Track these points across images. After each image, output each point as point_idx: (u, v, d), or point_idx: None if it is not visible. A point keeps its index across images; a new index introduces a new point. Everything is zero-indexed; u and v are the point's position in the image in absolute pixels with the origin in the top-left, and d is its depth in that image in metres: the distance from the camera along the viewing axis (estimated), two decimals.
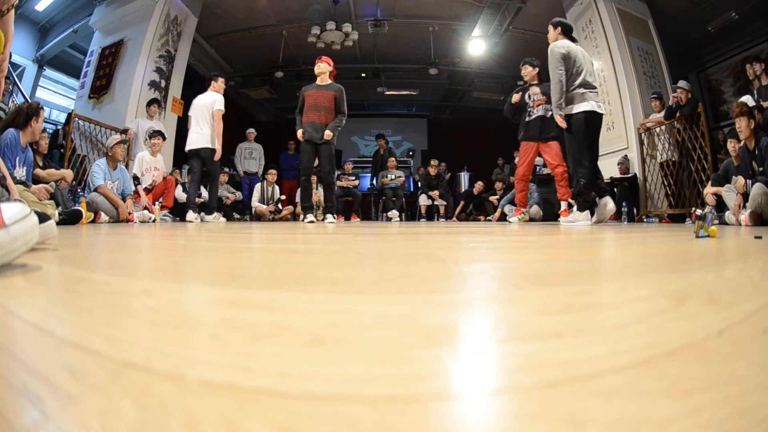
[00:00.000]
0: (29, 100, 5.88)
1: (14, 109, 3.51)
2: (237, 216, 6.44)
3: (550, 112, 4.10)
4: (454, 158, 8.87)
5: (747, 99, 3.64)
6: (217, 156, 4.64)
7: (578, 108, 3.43)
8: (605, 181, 4.37)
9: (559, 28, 3.66)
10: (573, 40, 3.65)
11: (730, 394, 0.21)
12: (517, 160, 7.71)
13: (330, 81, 4.49)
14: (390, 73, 9.28)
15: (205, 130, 4.54)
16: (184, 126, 6.81)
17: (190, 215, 4.57)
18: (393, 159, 7.78)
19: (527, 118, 4.36)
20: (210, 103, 4.57)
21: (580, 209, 3.53)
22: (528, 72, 4.42)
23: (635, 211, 5.33)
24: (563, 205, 4.28)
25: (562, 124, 3.53)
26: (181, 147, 7.10)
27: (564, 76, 3.43)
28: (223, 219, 5.10)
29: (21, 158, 3.11)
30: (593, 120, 3.46)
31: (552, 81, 3.48)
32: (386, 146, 7.90)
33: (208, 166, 4.65)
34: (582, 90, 3.44)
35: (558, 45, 3.50)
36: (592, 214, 3.56)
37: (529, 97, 4.37)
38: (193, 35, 6.64)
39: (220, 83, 4.72)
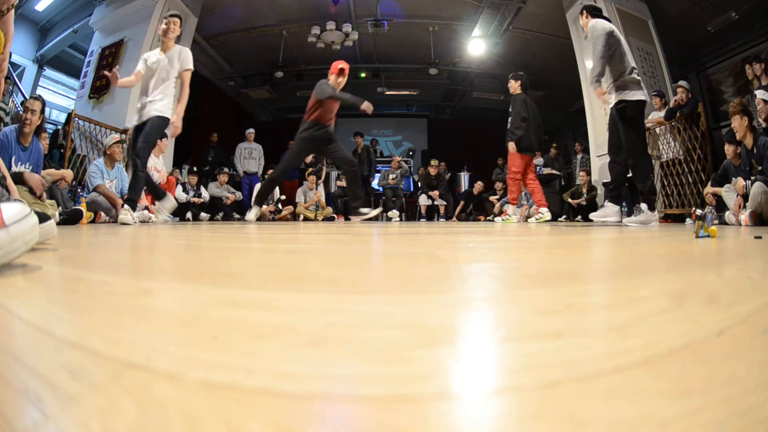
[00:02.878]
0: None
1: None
2: (237, 216, 6.44)
3: (509, 124, 4.58)
4: (454, 158, 8.88)
5: (762, 93, 3.58)
6: (174, 130, 3.39)
7: (634, 96, 3.16)
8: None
9: (585, 12, 3.45)
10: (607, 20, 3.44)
11: (730, 394, 0.21)
12: None
13: None
14: (390, 73, 9.29)
15: (168, 91, 3.36)
16: (184, 126, 6.80)
17: (127, 216, 3.18)
18: (397, 158, 7.83)
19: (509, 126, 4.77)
20: (185, 58, 3.38)
21: (652, 209, 3.28)
22: (512, 85, 4.74)
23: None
24: (507, 207, 4.89)
25: (602, 98, 3.35)
26: (182, 147, 7.12)
27: (606, 52, 3.17)
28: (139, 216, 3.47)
29: (21, 156, 3.11)
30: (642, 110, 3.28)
31: (593, 59, 3.25)
32: (363, 144, 7.78)
33: (149, 138, 3.29)
34: (635, 77, 3.19)
35: (600, 22, 3.28)
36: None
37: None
38: (193, 35, 6.64)
39: (178, 27, 3.45)
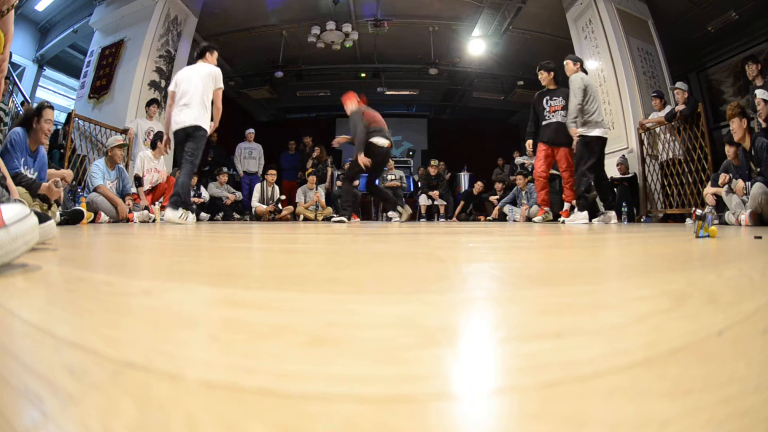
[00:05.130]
0: (29, 100, 5.89)
1: (26, 109, 3.48)
2: (237, 216, 6.44)
3: (564, 119, 4.38)
4: (454, 158, 8.87)
5: (762, 93, 3.59)
6: (211, 130, 3.82)
7: (592, 132, 4.13)
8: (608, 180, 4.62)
9: (579, 64, 4.27)
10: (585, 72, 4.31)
11: (730, 394, 0.21)
12: (517, 159, 7.77)
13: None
14: (390, 73, 9.28)
15: (198, 105, 3.70)
16: None
17: (171, 213, 3.53)
18: (390, 161, 7.87)
19: (543, 122, 4.58)
20: (211, 76, 3.76)
21: (580, 210, 4.10)
22: (544, 77, 4.56)
23: (635, 211, 5.33)
24: (566, 206, 4.44)
25: (574, 134, 4.13)
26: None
27: (582, 103, 4.10)
28: (192, 217, 3.74)
29: (27, 161, 3.09)
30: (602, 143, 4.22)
31: (571, 104, 4.10)
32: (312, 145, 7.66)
33: (192, 145, 3.68)
34: (596, 119, 4.13)
35: (580, 75, 4.17)
36: (591, 217, 4.10)
37: (546, 102, 4.56)
38: (193, 35, 6.64)
39: (215, 57, 3.95)
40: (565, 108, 4.37)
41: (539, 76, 4.59)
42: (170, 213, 3.51)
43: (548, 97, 4.53)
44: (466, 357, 0.27)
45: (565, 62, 4.37)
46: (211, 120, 3.82)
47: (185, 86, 3.75)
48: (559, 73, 4.52)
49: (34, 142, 3.13)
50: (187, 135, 3.70)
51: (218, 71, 3.83)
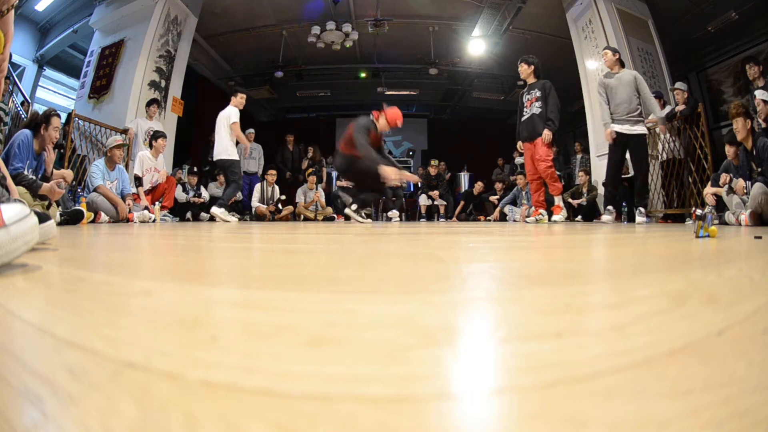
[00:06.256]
0: (29, 100, 5.89)
1: (32, 112, 3.49)
2: (237, 216, 6.44)
3: (539, 110, 4.31)
4: (454, 158, 8.88)
5: (762, 94, 3.60)
6: (246, 152, 5.54)
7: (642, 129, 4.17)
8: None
9: (618, 54, 4.20)
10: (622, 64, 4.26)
11: (730, 394, 0.21)
12: (517, 159, 7.76)
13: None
14: (390, 73, 9.28)
15: (222, 141, 4.82)
16: (184, 126, 6.86)
17: (217, 210, 4.74)
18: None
19: (522, 118, 4.50)
20: (225, 117, 4.84)
21: (643, 210, 4.22)
22: (524, 70, 4.50)
23: (635, 211, 5.33)
24: (556, 200, 4.45)
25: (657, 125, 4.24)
26: (182, 147, 7.15)
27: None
28: (232, 219, 4.92)
29: (31, 164, 3.09)
30: None
31: (651, 98, 4.12)
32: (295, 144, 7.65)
33: (226, 175, 5.04)
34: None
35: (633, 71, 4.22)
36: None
37: (524, 96, 4.49)
38: (193, 35, 6.64)
39: (238, 99, 4.91)
40: (539, 100, 4.33)
41: (519, 69, 4.55)
42: (216, 210, 4.65)
43: (525, 91, 4.49)
44: (466, 357, 0.27)
45: (603, 52, 4.31)
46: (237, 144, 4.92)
47: (216, 126, 4.90)
48: (539, 68, 4.49)
49: (40, 146, 3.15)
50: (222, 166, 4.98)
51: (232, 111, 4.82)
